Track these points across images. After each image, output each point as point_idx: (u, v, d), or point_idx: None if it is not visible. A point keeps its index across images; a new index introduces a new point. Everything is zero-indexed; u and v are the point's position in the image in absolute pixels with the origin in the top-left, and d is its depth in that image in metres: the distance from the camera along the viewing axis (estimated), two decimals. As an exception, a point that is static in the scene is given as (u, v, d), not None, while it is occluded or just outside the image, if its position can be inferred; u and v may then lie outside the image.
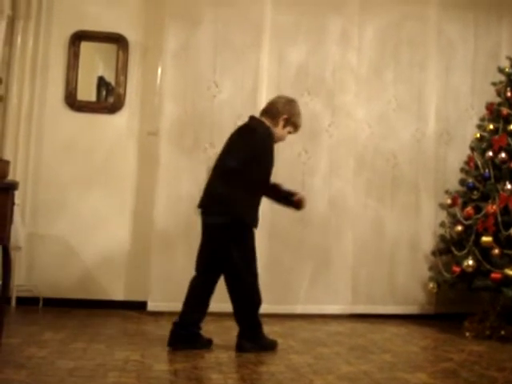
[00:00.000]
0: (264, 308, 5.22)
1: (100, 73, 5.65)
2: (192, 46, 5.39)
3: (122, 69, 5.46)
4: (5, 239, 2.73)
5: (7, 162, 2.92)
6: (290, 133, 4.25)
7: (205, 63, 5.40)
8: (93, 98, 5.54)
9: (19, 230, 4.85)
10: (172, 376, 3.27)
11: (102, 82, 5.59)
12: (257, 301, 4.11)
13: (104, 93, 5.57)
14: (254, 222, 4.03)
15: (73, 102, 5.41)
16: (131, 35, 5.49)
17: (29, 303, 5.19)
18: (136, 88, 5.51)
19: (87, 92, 5.52)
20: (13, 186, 2.83)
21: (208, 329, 4.64)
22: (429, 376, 3.54)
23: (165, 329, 4.62)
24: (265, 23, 5.50)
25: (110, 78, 5.53)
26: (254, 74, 5.45)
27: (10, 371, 3.15)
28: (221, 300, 4.86)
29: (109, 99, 5.53)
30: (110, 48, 5.50)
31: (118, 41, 5.45)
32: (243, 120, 5.34)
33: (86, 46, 5.47)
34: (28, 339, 4.00)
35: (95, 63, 5.72)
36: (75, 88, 5.43)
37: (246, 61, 5.46)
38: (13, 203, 2.84)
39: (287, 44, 5.55)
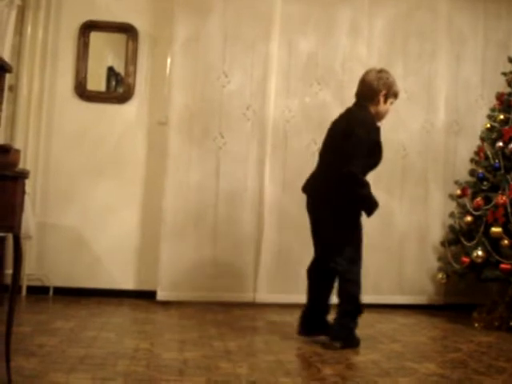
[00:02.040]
0: (274, 297, 5.29)
1: (110, 63, 5.65)
2: (201, 36, 5.38)
3: (131, 59, 5.46)
4: (16, 228, 2.73)
5: (18, 151, 2.93)
6: (392, 103, 4.22)
7: (214, 53, 5.40)
8: (102, 88, 5.54)
9: (30, 219, 4.88)
10: (181, 364, 3.29)
11: (111, 72, 5.60)
12: None
13: (114, 83, 5.57)
14: None
15: (82, 92, 5.42)
16: (141, 25, 5.48)
17: (39, 292, 5.22)
18: (145, 78, 5.51)
19: (97, 82, 5.53)
20: (23, 175, 2.84)
21: (217, 318, 4.67)
22: (437, 366, 3.55)
23: (174, 318, 4.66)
24: (274, 13, 5.48)
25: (120, 68, 5.53)
26: (264, 64, 5.44)
27: (20, 359, 3.18)
28: (231, 289, 4.91)
29: (118, 89, 5.53)
30: (119, 38, 5.49)
31: (127, 31, 5.45)
32: (253, 110, 5.39)
33: (95, 36, 5.47)
34: (38, 328, 4.03)
35: (105, 53, 5.71)
36: (85, 78, 5.44)
37: (256, 51, 5.45)
38: (23, 192, 2.85)
39: (297, 34, 5.52)
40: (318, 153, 4.28)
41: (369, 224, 5.54)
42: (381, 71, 4.19)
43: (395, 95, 4.18)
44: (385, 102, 4.15)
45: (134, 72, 5.47)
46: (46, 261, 5.32)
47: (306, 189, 4.24)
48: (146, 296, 5.27)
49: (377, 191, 5.58)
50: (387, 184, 5.61)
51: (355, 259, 4.04)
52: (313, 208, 4.17)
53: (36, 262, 5.30)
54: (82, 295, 5.22)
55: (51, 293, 5.28)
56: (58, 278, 5.29)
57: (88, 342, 3.71)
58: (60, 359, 3.27)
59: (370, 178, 5.53)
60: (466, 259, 4.93)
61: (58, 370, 3.04)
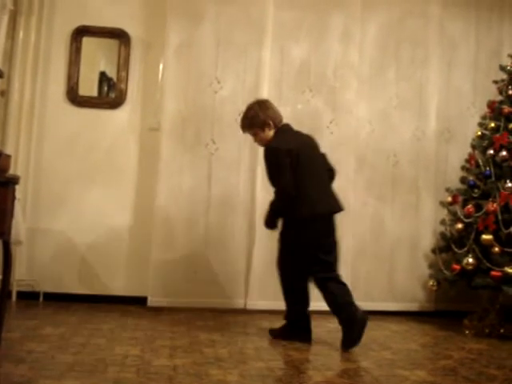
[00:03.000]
0: (265, 304, 5.27)
1: (102, 68, 5.64)
2: (194, 42, 5.39)
3: (123, 64, 5.46)
4: (5, 234, 2.73)
5: (8, 156, 2.93)
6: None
7: (207, 59, 5.40)
8: (94, 93, 5.54)
9: (20, 225, 4.84)
10: (171, 371, 3.28)
11: (103, 78, 5.59)
12: None
13: (106, 88, 5.57)
14: None
15: (74, 97, 5.41)
16: (133, 31, 5.48)
17: (29, 298, 5.20)
18: (138, 83, 5.50)
19: (89, 87, 5.52)
20: (14, 181, 2.84)
21: (208, 324, 4.66)
22: (428, 373, 3.55)
23: (164, 324, 4.64)
24: (267, 20, 5.49)
25: (112, 73, 5.53)
26: (256, 70, 5.45)
27: (10, 365, 3.16)
28: (222, 296, 4.90)
29: (110, 95, 5.52)
30: (111, 43, 5.49)
31: (119, 36, 5.45)
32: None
33: (87, 42, 5.46)
34: (28, 334, 4.01)
35: (97, 58, 5.71)
36: (77, 83, 5.43)
37: (248, 57, 5.45)
38: (14, 198, 2.84)
39: (289, 41, 5.53)
40: (314, 170, 4.28)
41: (360, 231, 5.59)
42: (264, 102, 4.50)
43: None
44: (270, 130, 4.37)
45: (126, 77, 5.47)
46: (37, 266, 5.29)
47: (337, 207, 4.37)
48: (136, 302, 5.26)
49: (368, 198, 5.64)
50: (378, 191, 5.63)
51: None
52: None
53: (26, 267, 5.28)
54: (73, 301, 5.20)
55: (41, 298, 5.25)
56: (49, 284, 5.27)
57: (78, 348, 3.69)
58: (49, 366, 3.26)
59: (362, 184, 5.59)
60: (456, 266, 4.94)
61: (47, 377, 3.03)
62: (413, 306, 5.59)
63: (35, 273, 5.28)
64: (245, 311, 5.24)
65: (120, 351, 3.68)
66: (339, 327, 4.16)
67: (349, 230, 5.53)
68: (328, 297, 4.20)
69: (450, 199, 5.32)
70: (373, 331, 4.76)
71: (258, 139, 4.37)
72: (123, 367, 3.30)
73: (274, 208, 4.27)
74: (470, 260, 4.80)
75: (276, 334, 4.33)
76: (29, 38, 5.35)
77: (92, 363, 3.34)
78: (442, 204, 5.43)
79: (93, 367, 3.26)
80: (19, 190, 5.13)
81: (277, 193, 4.22)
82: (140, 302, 5.24)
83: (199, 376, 3.22)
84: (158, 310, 5.12)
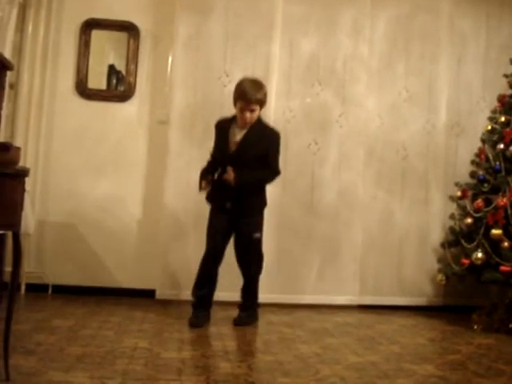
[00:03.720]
0: (273, 298, 5.28)
1: (111, 61, 5.64)
2: (203, 36, 5.38)
3: (132, 57, 5.45)
4: (16, 226, 2.73)
5: (18, 149, 2.93)
6: (241, 108, 4.40)
7: (215, 53, 5.39)
8: (103, 86, 5.53)
9: (29, 217, 4.88)
10: (180, 364, 3.29)
11: (112, 71, 5.59)
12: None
13: (114, 81, 5.57)
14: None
15: (83, 90, 5.41)
16: (142, 24, 5.47)
17: (38, 290, 5.21)
18: (146, 77, 5.50)
19: (98, 80, 5.52)
20: (24, 173, 2.84)
21: (216, 317, 4.66)
22: (436, 368, 3.55)
23: (173, 317, 4.65)
24: (276, 14, 5.48)
25: (121, 66, 5.52)
26: (265, 64, 5.44)
27: (19, 357, 3.17)
28: (229, 289, 4.90)
29: (119, 88, 5.52)
30: (120, 36, 5.49)
31: (128, 29, 5.44)
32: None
33: (96, 35, 5.46)
34: (37, 326, 4.02)
35: (106, 51, 5.70)
36: (86, 76, 5.43)
37: (257, 51, 5.44)
38: (23, 190, 2.84)
39: (298, 35, 5.52)
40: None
41: (369, 225, 5.59)
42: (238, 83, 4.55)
43: (240, 98, 4.39)
44: (235, 105, 4.46)
45: (135, 70, 5.46)
46: (46, 259, 5.31)
47: None
48: (145, 295, 5.27)
49: (377, 192, 5.63)
50: (388, 185, 5.62)
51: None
52: None
53: (35, 259, 5.30)
54: (81, 293, 5.21)
55: (50, 291, 5.27)
56: (57, 276, 5.29)
57: (87, 340, 3.71)
58: (58, 357, 3.27)
59: (371, 178, 5.58)
60: (465, 261, 4.92)
61: (56, 369, 3.04)
62: (421, 301, 5.58)
63: (44, 265, 5.30)
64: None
65: (128, 344, 3.70)
66: (347, 321, 4.16)
67: (357, 224, 5.53)
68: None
69: (459, 193, 5.30)
70: (381, 325, 4.77)
71: (253, 117, 4.42)
72: (132, 359, 3.31)
73: (260, 178, 4.54)
74: (479, 255, 4.78)
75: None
76: (38, 31, 5.36)
77: (101, 355, 3.36)
78: (452, 198, 5.41)
79: (101, 359, 3.27)
80: (28, 182, 5.16)
81: (272, 173, 4.53)
82: (148, 294, 5.25)
83: (208, 369, 3.23)
84: (166, 303, 5.14)
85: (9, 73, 3.91)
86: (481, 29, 5.83)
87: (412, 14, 5.70)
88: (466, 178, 5.35)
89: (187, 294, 4.91)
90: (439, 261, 5.45)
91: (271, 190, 4.88)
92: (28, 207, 4.82)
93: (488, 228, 4.80)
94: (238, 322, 4.48)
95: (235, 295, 4.69)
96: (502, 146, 4.98)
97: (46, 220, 5.30)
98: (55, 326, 4.05)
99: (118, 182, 5.40)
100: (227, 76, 5.40)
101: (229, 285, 4.79)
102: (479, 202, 4.97)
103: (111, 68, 5.59)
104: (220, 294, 4.74)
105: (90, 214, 5.35)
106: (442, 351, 4.10)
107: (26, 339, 3.61)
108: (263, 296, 4.82)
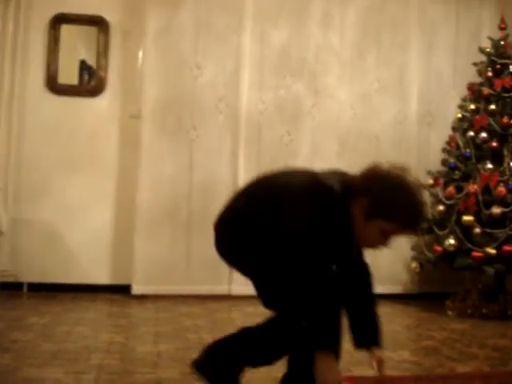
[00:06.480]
0: (249, 289, 5.27)
1: (82, 56, 5.61)
2: (173, 28, 5.36)
3: (102, 52, 5.43)
4: (-15, 223, 2.72)
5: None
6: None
7: (186, 45, 5.38)
8: (75, 81, 5.50)
9: (2, 215, 4.85)
10: (155, 357, 3.28)
11: (84, 66, 5.55)
12: None
13: (86, 76, 5.53)
14: None
15: (53, 85, 5.37)
16: (112, 18, 5.45)
17: (13, 288, 5.17)
18: (117, 71, 5.48)
19: (69, 75, 5.48)
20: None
21: (193, 311, 4.67)
22: (411, 353, 3.59)
23: (149, 311, 4.65)
24: (246, 5, 5.48)
25: (92, 61, 5.49)
26: (236, 55, 5.44)
27: (-6, 355, 3.16)
28: (206, 282, 4.91)
29: (91, 83, 5.49)
30: (90, 31, 5.46)
31: (98, 23, 5.41)
32: (226, 102, 5.39)
33: (66, 29, 5.43)
34: (12, 324, 4.00)
35: (77, 46, 5.68)
36: (56, 71, 5.39)
37: (228, 43, 5.44)
38: (-7, 187, 2.83)
39: (269, 26, 5.53)
40: None
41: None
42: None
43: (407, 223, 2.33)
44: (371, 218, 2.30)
45: (106, 65, 5.44)
46: (20, 256, 5.27)
47: None
48: (121, 290, 5.25)
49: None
50: (361, 174, 5.64)
51: None
52: None
53: (9, 257, 5.26)
54: (57, 291, 5.18)
55: (25, 289, 5.24)
56: (32, 274, 5.25)
57: (62, 336, 3.69)
58: (34, 354, 3.25)
59: (344, 168, 5.57)
60: (438, 248, 4.97)
61: (31, 365, 3.02)
62: (397, 289, 5.62)
63: (19, 263, 5.26)
64: (229, 297, 5.25)
65: (104, 339, 3.68)
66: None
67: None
68: None
69: (431, 181, 5.35)
70: (357, 314, 4.79)
71: None
72: (107, 354, 3.30)
73: None
74: (452, 241, 4.84)
75: None
76: (7, 27, 5.32)
77: (76, 351, 3.34)
78: (424, 187, 5.45)
79: (77, 355, 3.26)
80: (0, 179, 5.14)
81: None
82: (124, 290, 5.23)
83: (183, 361, 3.22)
84: (143, 298, 5.12)
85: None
86: (450, 17, 5.89)
87: (382, 3, 5.74)
88: (437, 166, 5.39)
89: (163, 289, 4.93)
90: (413, 248, 5.50)
91: (246, 181, 4.88)
92: (0, 205, 4.79)
93: (460, 215, 4.86)
94: None
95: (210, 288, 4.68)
96: (471, 133, 5.04)
97: (19, 217, 5.26)
98: (31, 324, 4.02)
99: (90, 177, 5.37)
100: (198, 68, 5.39)
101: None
102: (451, 189, 5.03)
103: (83, 63, 5.57)
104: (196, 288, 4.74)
105: (63, 210, 5.32)
106: (416, 337, 4.15)
107: (1, 337, 3.59)
108: (238, 288, 4.82)
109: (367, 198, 2.27)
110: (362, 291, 2.56)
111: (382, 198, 2.26)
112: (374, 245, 2.39)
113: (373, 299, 2.58)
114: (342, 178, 2.39)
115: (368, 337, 2.56)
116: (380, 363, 2.53)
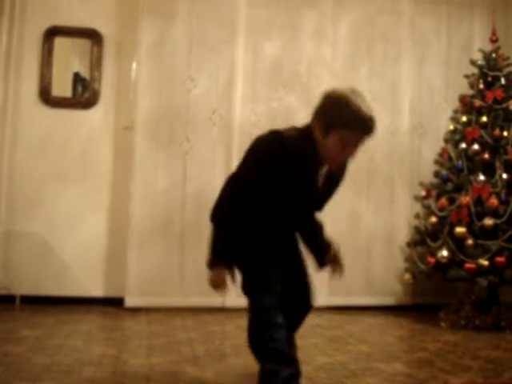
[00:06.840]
0: (243, 302, 5.26)
1: (76, 69, 5.62)
2: (167, 41, 5.38)
3: (96, 64, 5.44)
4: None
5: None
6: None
7: (180, 58, 5.40)
8: (68, 93, 5.51)
9: (-6, 227, 4.84)
10: (148, 370, 3.27)
11: (77, 78, 5.57)
12: None
13: (80, 89, 5.54)
14: None
15: (47, 97, 5.38)
16: (105, 30, 5.47)
17: (5, 301, 5.15)
18: (111, 83, 5.49)
19: (62, 88, 5.49)
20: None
21: (186, 323, 4.66)
22: (404, 365, 3.58)
23: (142, 324, 4.63)
24: (239, 18, 5.51)
25: (86, 73, 5.50)
26: (229, 68, 5.46)
27: (-15, 368, 3.14)
28: (200, 294, 4.90)
29: (85, 95, 5.50)
30: (84, 43, 5.47)
31: (92, 36, 5.43)
32: (219, 114, 5.41)
33: (60, 42, 5.44)
34: (4, 336, 3.98)
35: (71, 59, 5.69)
36: (50, 84, 5.40)
37: (221, 55, 5.46)
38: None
39: (262, 39, 5.55)
40: None
41: (336, 225, 5.61)
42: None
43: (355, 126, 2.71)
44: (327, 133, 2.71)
45: (99, 77, 5.45)
46: (12, 269, 5.25)
47: None
48: (114, 303, 5.24)
49: (343, 193, 5.63)
50: (354, 185, 5.64)
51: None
52: None
53: (2, 270, 5.24)
54: (50, 303, 5.17)
55: (18, 301, 5.21)
56: (25, 287, 5.23)
57: (54, 349, 3.68)
58: (25, 367, 3.24)
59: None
60: (431, 259, 4.99)
61: (22, 379, 3.01)
62: (390, 300, 5.63)
63: (11, 276, 5.24)
64: (223, 309, 5.25)
65: (97, 352, 3.67)
66: (317, 322, 4.17)
67: (325, 225, 5.54)
68: None
69: (423, 193, 5.37)
70: (350, 325, 4.81)
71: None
72: (99, 367, 3.29)
73: None
74: (445, 253, 4.85)
75: None
76: (0, 39, 5.31)
77: (68, 364, 3.33)
78: (416, 198, 5.48)
79: (69, 368, 3.25)
80: (-8, 192, 5.12)
81: None
82: (117, 302, 5.22)
83: (176, 374, 3.22)
84: (136, 311, 5.11)
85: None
86: (442, 30, 5.92)
87: (374, 16, 5.77)
88: (430, 178, 5.41)
89: (156, 301, 4.91)
90: (406, 260, 5.51)
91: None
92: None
93: (452, 226, 4.87)
94: None
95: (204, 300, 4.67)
96: (463, 145, 5.06)
97: (11, 230, 5.25)
98: (23, 337, 4.01)
99: (84, 189, 5.37)
100: (192, 81, 5.41)
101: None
102: (443, 201, 5.04)
103: (76, 75, 5.58)
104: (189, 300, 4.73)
105: (56, 223, 5.32)
106: (409, 349, 4.14)
107: (-7, 350, 3.58)
108: (232, 300, 4.82)
109: (318, 120, 2.70)
110: (315, 227, 3.29)
111: (328, 112, 2.69)
112: (340, 157, 2.80)
113: (322, 231, 3.30)
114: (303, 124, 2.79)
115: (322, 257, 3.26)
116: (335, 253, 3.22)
